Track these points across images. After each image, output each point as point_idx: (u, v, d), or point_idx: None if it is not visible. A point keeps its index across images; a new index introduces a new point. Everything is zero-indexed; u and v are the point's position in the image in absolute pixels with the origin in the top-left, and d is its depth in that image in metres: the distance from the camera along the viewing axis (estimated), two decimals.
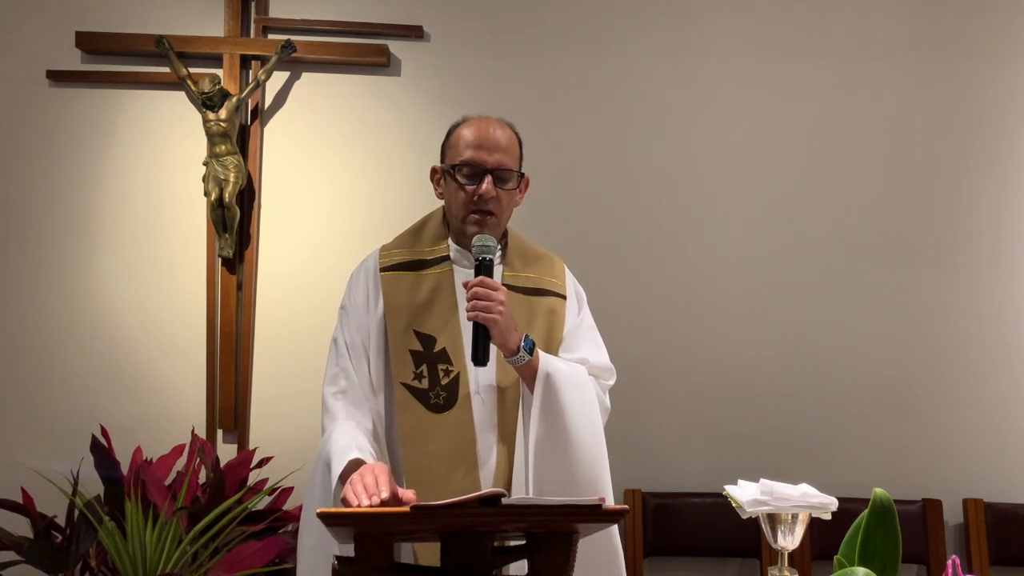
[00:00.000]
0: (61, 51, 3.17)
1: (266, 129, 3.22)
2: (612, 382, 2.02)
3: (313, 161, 3.22)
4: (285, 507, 2.81)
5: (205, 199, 3.10)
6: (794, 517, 1.60)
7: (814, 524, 1.73)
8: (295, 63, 3.20)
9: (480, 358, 1.74)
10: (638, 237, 3.24)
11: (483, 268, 1.79)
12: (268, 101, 3.23)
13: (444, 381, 1.86)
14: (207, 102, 3.04)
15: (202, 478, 2.84)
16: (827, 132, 3.28)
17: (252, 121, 3.20)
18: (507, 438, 1.86)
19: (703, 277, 3.24)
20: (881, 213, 3.26)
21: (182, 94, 3.17)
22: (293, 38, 3.14)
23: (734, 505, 1.67)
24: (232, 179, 3.06)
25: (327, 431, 1.84)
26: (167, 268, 3.18)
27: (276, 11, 3.23)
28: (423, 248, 1.98)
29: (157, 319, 3.16)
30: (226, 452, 3.09)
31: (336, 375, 1.90)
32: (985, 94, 3.29)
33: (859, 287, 3.24)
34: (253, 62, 3.19)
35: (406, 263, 1.96)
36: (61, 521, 2.69)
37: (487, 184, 1.86)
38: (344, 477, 1.65)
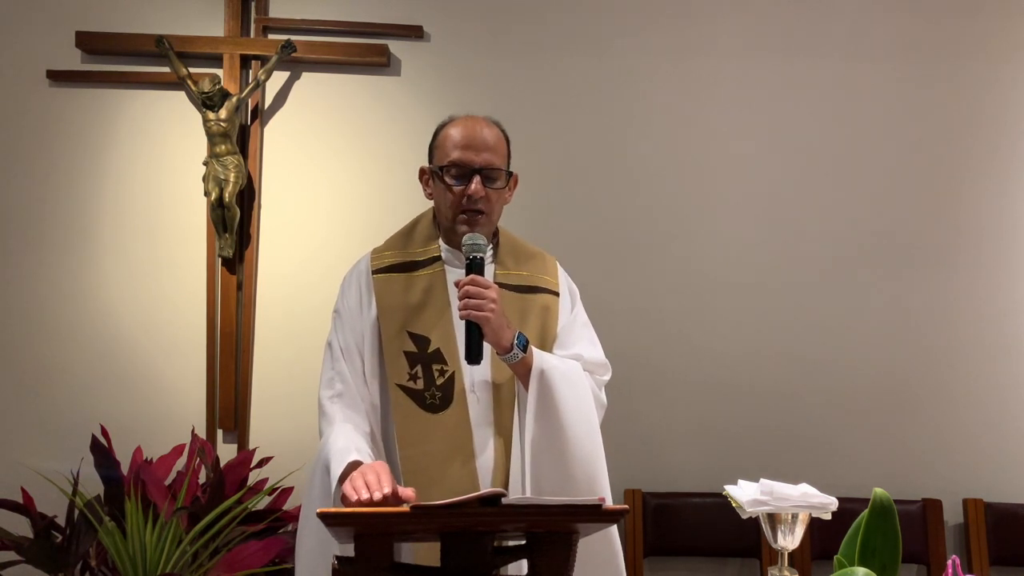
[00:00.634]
0: (61, 51, 3.17)
1: (266, 129, 3.22)
2: (607, 378, 2.02)
3: (313, 161, 3.22)
4: (285, 507, 2.81)
5: (205, 199, 3.10)
6: (794, 517, 1.60)
7: (814, 524, 1.73)
8: (295, 63, 3.20)
9: (473, 356, 1.75)
10: (638, 237, 3.24)
11: (474, 267, 1.80)
12: (268, 101, 3.23)
13: (439, 381, 1.86)
14: (207, 102, 3.04)
15: (202, 478, 2.85)
16: (827, 132, 3.28)
17: (252, 121, 3.20)
18: (503, 436, 1.86)
19: (703, 277, 3.24)
20: (881, 213, 3.26)
21: (182, 94, 3.17)
22: (293, 38, 3.14)
23: (734, 505, 1.67)
24: (232, 179, 3.06)
25: (324, 434, 1.84)
26: (167, 268, 3.18)
27: (276, 11, 3.23)
28: (414, 249, 1.98)
29: (157, 319, 3.16)
30: (226, 452, 3.09)
31: (332, 379, 1.90)
32: (985, 94, 3.29)
33: (859, 287, 3.24)
34: (253, 62, 3.19)
35: (398, 265, 1.96)
36: (61, 521, 2.69)
37: (476, 184, 1.86)
38: (344, 479, 1.65)
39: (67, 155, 3.18)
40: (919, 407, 3.22)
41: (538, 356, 1.83)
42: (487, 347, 1.77)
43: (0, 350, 3.14)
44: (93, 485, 2.71)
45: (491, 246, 1.98)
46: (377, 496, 1.50)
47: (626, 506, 1.66)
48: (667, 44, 3.27)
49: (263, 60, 3.15)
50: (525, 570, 1.44)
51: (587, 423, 1.85)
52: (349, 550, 1.38)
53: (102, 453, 2.69)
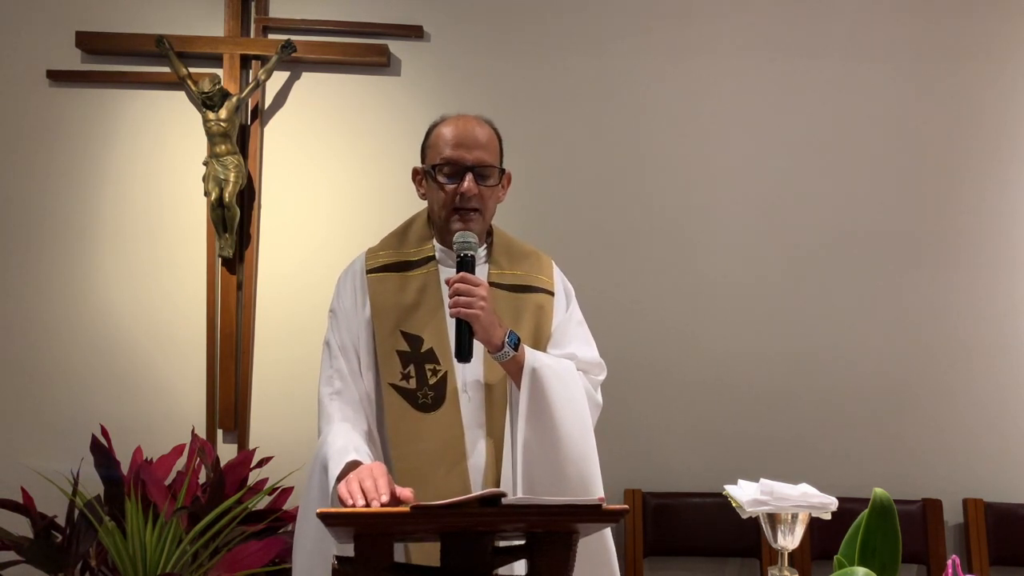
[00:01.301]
0: (61, 51, 3.17)
1: (266, 129, 3.23)
2: (603, 377, 2.01)
3: (313, 161, 3.22)
4: (285, 507, 2.81)
5: (205, 199, 3.10)
6: (794, 517, 1.60)
7: (814, 524, 1.73)
8: (295, 63, 3.20)
9: (463, 354, 1.74)
10: (638, 237, 3.24)
11: (464, 264, 1.79)
12: (268, 101, 3.23)
13: (432, 381, 1.86)
14: (207, 102, 3.04)
15: (202, 478, 2.85)
16: (826, 132, 3.28)
17: (252, 121, 3.20)
18: (496, 436, 1.86)
19: (704, 277, 3.24)
20: (881, 213, 3.26)
21: (182, 94, 3.17)
22: (293, 38, 3.14)
23: (734, 505, 1.67)
24: (232, 179, 3.06)
25: (323, 433, 1.84)
26: (167, 268, 3.18)
27: (276, 11, 3.23)
28: (408, 249, 1.98)
29: (157, 319, 3.16)
30: (226, 452, 3.10)
31: (331, 376, 1.90)
32: (985, 94, 3.29)
33: (859, 287, 3.24)
34: (253, 62, 3.19)
35: (392, 264, 1.96)
36: (61, 521, 2.69)
37: (468, 182, 1.86)
38: (342, 478, 1.64)
39: (67, 155, 3.18)
40: (919, 407, 3.22)
41: (530, 354, 1.82)
42: (479, 346, 1.77)
43: (0, 350, 3.14)
44: (93, 485, 2.71)
45: (485, 245, 1.98)
46: (375, 505, 1.50)
47: (626, 506, 1.65)
48: (667, 44, 3.27)
49: (263, 60, 3.15)
50: (525, 570, 1.44)
51: (580, 422, 1.84)
52: (348, 550, 1.38)
53: (102, 453, 2.69)
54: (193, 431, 2.96)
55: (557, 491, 1.74)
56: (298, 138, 3.22)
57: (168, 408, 3.13)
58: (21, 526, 2.70)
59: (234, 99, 3.08)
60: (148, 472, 2.67)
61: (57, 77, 3.17)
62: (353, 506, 1.50)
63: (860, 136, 3.28)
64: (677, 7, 3.28)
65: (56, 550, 2.60)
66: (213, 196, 3.06)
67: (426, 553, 1.58)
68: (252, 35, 3.22)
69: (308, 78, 3.24)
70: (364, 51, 3.19)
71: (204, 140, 3.10)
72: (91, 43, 3.16)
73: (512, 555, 1.48)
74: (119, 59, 3.18)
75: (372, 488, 1.53)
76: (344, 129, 3.23)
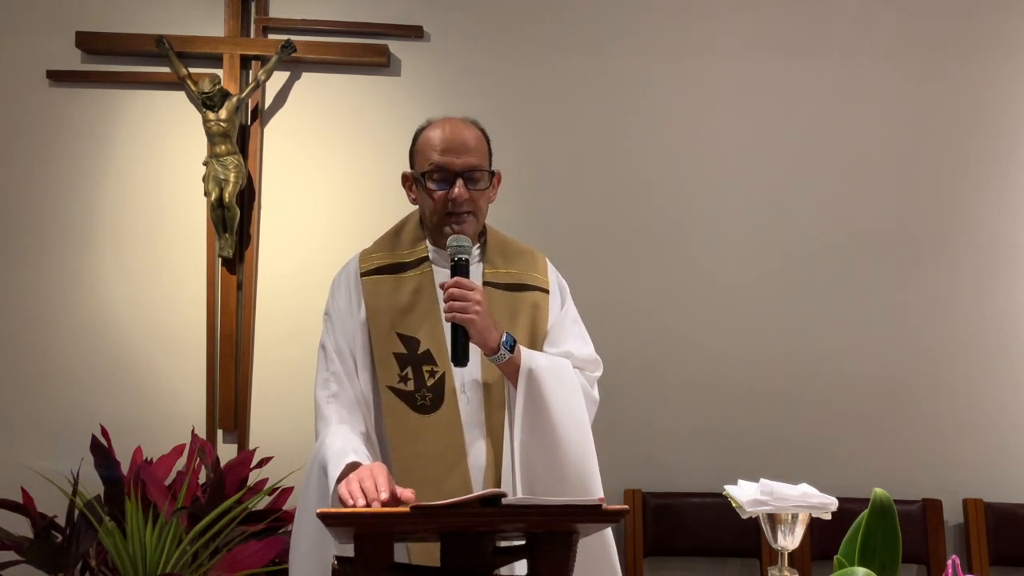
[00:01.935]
0: (61, 51, 3.17)
1: (266, 129, 3.23)
2: (599, 374, 2.01)
3: (313, 161, 3.22)
4: (285, 507, 2.81)
5: (205, 199, 3.10)
6: (794, 517, 1.60)
7: (814, 524, 1.73)
8: (295, 63, 3.20)
9: (459, 358, 1.74)
10: (638, 237, 3.24)
11: (459, 268, 1.79)
12: (268, 101, 3.23)
13: (429, 382, 1.86)
14: (207, 102, 3.04)
15: (202, 478, 2.85)
16: (827, 132, 3.28)
17: (252, 121, 3.20)
18: (495, 436, 1.86)
19: (704, 277, 3.24)
20: (880, 213, 3.26)
21: (182, 94, 3.17)
22: (293, 38, 3.14)
23: (734, 505, 1.67)
24: (232, 179, 3.06)
25: (321, 435, 1.84)
26: (167, 268, 3.18)
27: (276, 11, 3.23)
28: (402, 251, 1.98)
29: (157, 319, 3.16)
30: (226, 452, 3.09)
31: (327, 379, 1.90)
32: (985, 94, 3.29)
33: (859, 287, 3.24)
34: (253, 62, 3.19)
35: (386, 267, 1.96)
36: (61, 521, 2.69)
37: (459, 188, 1.86)
38: (342, 480, 1.64)
39: (67, 155, 3.18)
40: (919, 407, 3.22)
41: (526, 355, 1.83)
42: (475, 348, 1.77)
43: (0, 350, 3.14)
44: (93, 485, 2.71)
45: (478, 245, 1.98)
46: (375, 505, 1.50)
47: (626, 506, 1.66)
48: (667, 44, 3.27)
49: (263, 60, 3.15)
50: (525, 570, 1.44)
51: (577, 421, 1.84)
52: (348, 550, 1.38)
53: (102, 453, 2.70)
54: (193, 431, 2.95)
55: (557, 491, 1.74)
56: (298, 138, 3.22)
57: (168, 408, 3.13)
58: (21, 526, 2.70)
59: (234, 99, 3.08)
60: (148, 472, 2.67)
61: (57, 77, 3.17)
62: (354, 506, 1.50)
63: (860, 136, 3.27)
64: (677, 7, 3.28)
65: (56, 550, 2.60)
66: (213, 196, 3.06)
67: (426, 553, 1.58)
68: (252, 35, 3.22)
69: (308, 78, 3.24)
70: (364, 51, 3.19)
71: (204, 140, 3.09)
72: (91, 43, 3.16)
73: (512, 555, 1.48)
74: (119, 59, 3.18)
75: (372, 488, 1.53)
76: (344, 129, 3.23)
